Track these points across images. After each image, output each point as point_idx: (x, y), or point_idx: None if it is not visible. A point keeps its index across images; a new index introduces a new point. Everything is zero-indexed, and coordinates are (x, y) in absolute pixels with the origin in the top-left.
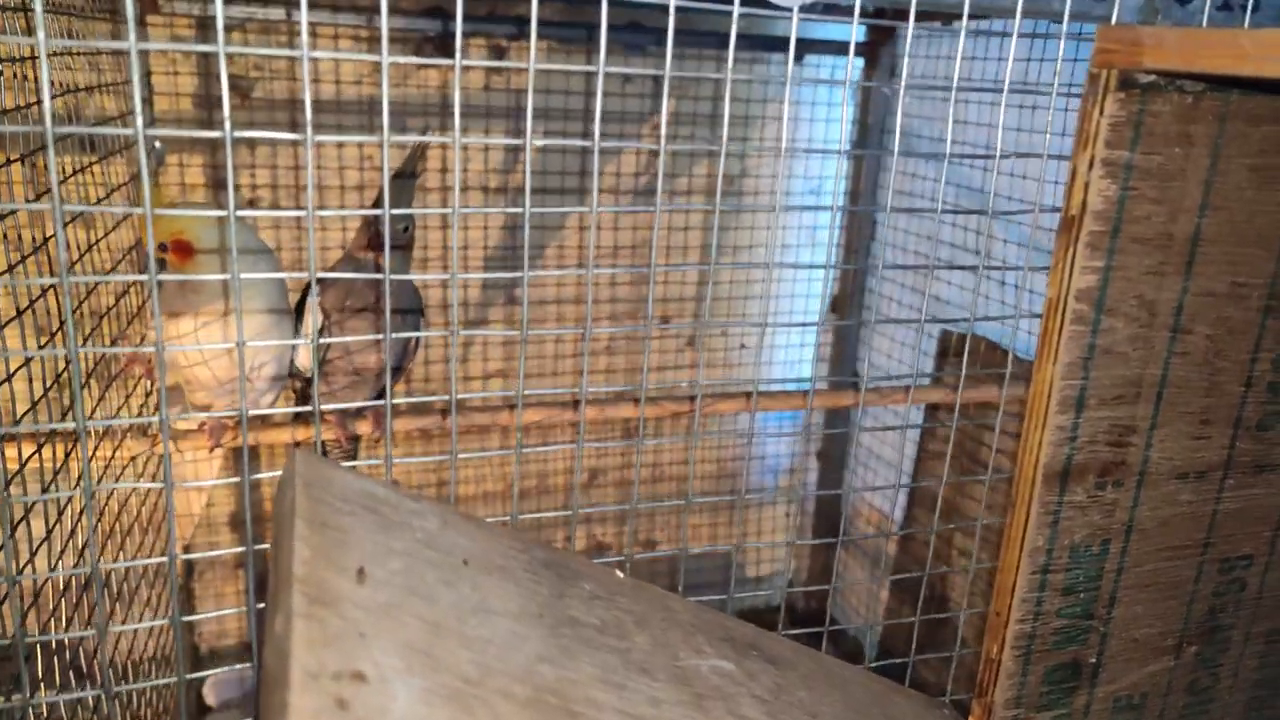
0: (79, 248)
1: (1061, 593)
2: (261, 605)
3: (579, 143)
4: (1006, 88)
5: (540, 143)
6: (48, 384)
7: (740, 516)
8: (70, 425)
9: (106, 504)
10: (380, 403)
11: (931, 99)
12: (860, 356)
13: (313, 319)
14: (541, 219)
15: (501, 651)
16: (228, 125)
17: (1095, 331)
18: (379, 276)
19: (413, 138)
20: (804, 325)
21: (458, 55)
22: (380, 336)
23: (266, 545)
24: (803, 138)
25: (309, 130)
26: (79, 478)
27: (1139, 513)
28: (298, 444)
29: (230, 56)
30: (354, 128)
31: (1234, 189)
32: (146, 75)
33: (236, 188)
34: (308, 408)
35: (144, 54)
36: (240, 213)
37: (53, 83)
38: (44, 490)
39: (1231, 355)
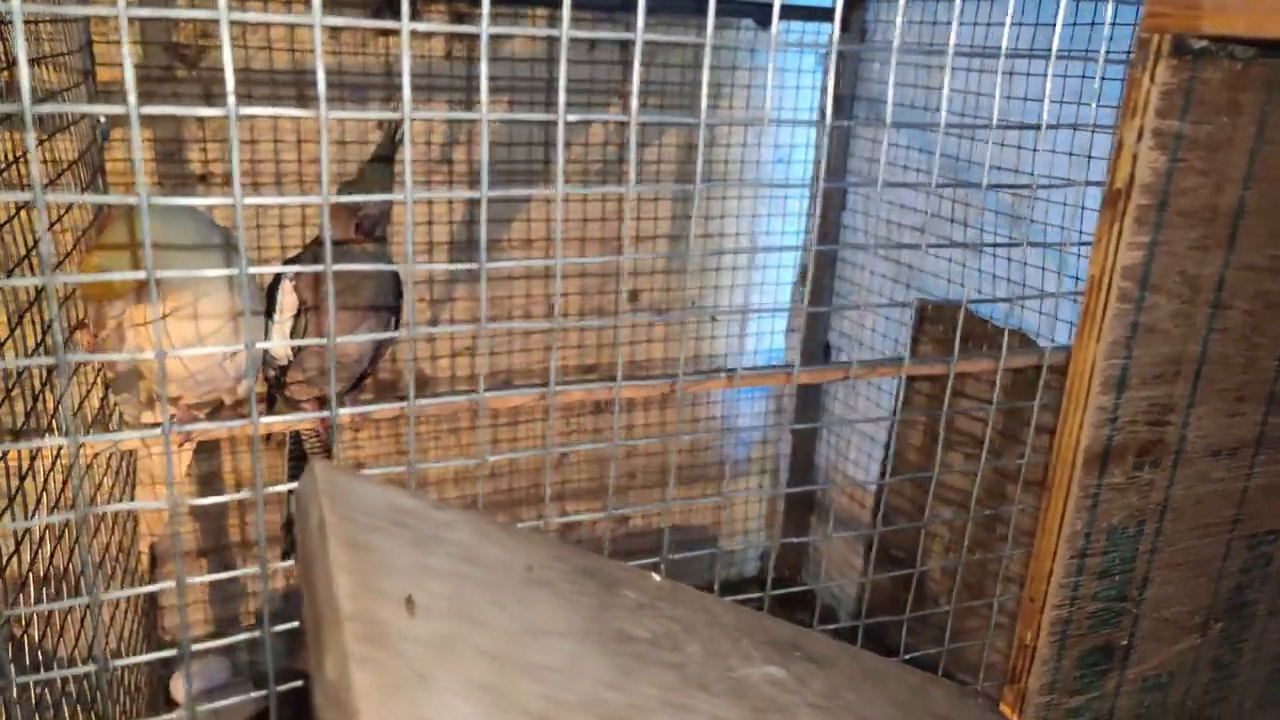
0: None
1: (1098, 576)
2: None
3: (542, 117)
4: (1053, 55)
5: (496, 116)
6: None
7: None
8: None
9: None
10: (371, 408)
11: (903, 65)
12: (834, 327)
13: (289, 301)
14: (506, 194)
15: (564, 679)
16: (232, 101)
17: (1139, 309)
18: (357, 267)
19: (371, 113)
20: (819, 309)
21: (405, 17)
22: (359, 338)
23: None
24: (771, 107)
25: (323, 106)
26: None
27: (1174, 492)
28: (268, 436)
29: (175, 23)
30: (310, 99)
31: (1278, 158)
32: (88, 44)
33: (186, 162)
34: (284, 395)
35: (84, 22)
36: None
37: None
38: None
39: (1268, 330)
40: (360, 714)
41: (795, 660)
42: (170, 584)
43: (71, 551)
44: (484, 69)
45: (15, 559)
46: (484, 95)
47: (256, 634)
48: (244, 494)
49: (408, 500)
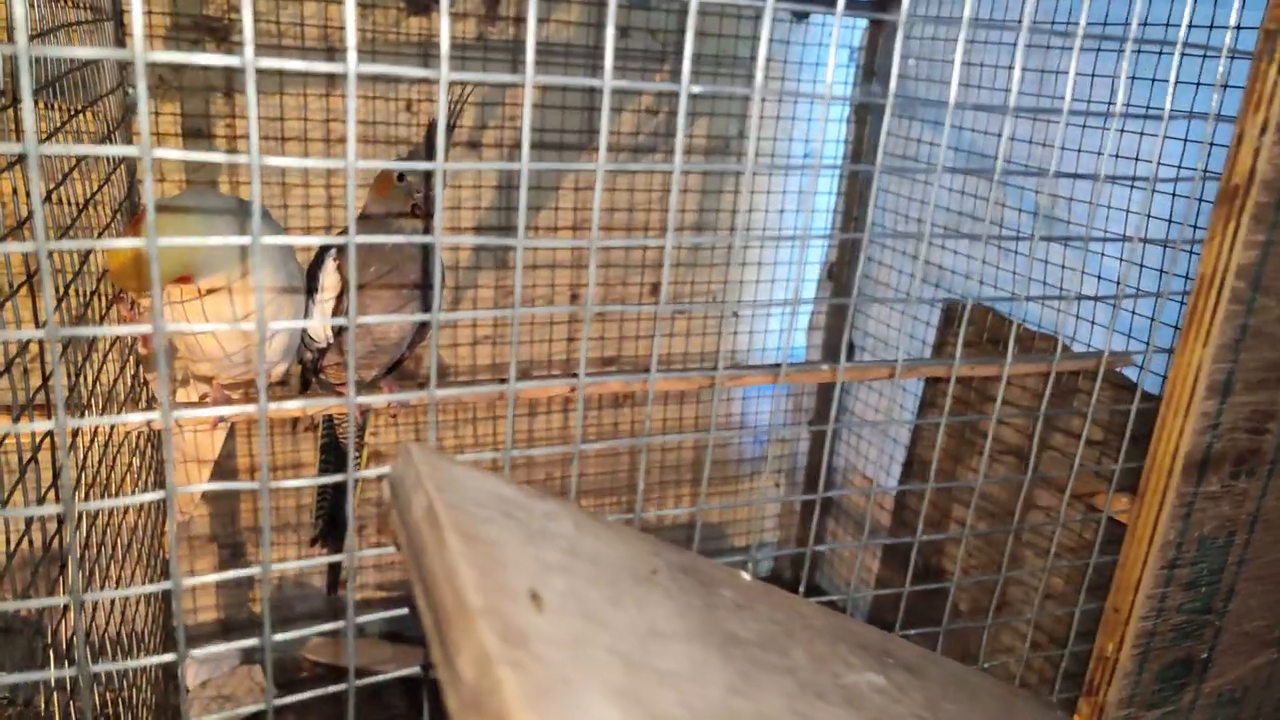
0: (71, 202)
1: (1185, 587)
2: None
3: (587, 82)
4: (1132, 35)
5: (541, 80)
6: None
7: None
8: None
9: (109, 479)
10: (433, 393)
11: (930, 60)
12: (857, 326)
13: (331, 282)
14: (537, 178)
15: (694, 686)
16: (249, 51)
17: (1250, 311)
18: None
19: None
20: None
21: None
22: (401, 316)
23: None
24: (803, 103)
25: (352, 66)
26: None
27: (1266, 502)
28: (295, 421)
29: None
30: (339, 79)
31: None
32: (119, 15)
33: (212, 137)
34: (320, 379)
35: None
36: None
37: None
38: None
39: None
40: (512, 718)
41: (890, 667)
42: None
43: (104, 531)
44: (531, 26)
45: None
46: (530, 56)
47: (256, 641)
48: (253, 484)
49: (509, 489)
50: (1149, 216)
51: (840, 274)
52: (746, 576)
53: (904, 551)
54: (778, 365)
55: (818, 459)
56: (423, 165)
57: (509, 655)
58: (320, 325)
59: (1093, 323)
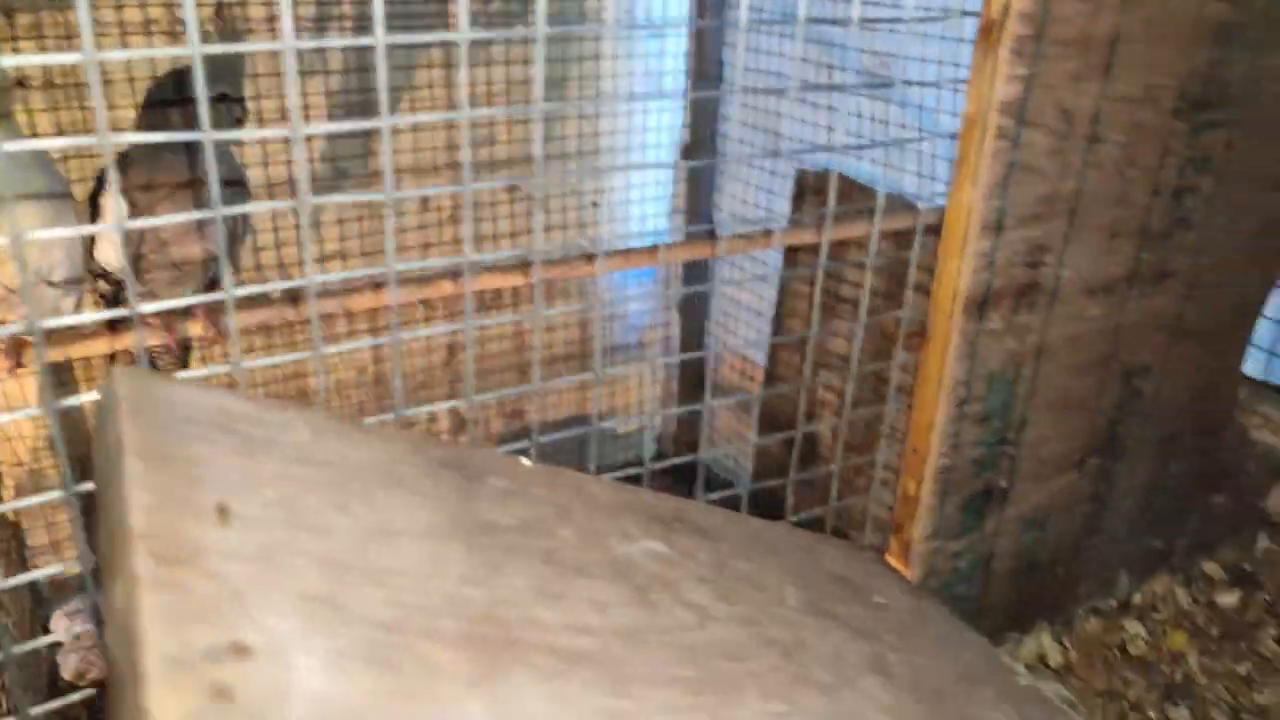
0: None
1: (978, 423)
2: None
3: None
4: None
5: None
6: None
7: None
8: None
9: None
10: (215, 296)
11: None
12: (718, 205)
13: (115, 206)
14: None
15: (418, 582)
16: None
17: (1016, 146)
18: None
19: None
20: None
21: None
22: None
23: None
24: None
25: None
26: None
27: (1050, 334)
28: (113, 357)
29: None
30: None
31: None
32: None
33: None
34: (122, 311)
35: None
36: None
37: None
38: None
39: (1141, 163)
40: (145, 642)
41: (681, 533)
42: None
43: None
44: None
45: None
46: None
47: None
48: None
49: (239, 404)
50: (940, 63)
51: (695, 149)
52: (527, 463)
53: (777, 421)
54: (655, 246)
55: (690, 342)
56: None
57: (161, 576)
58: (107, 249)
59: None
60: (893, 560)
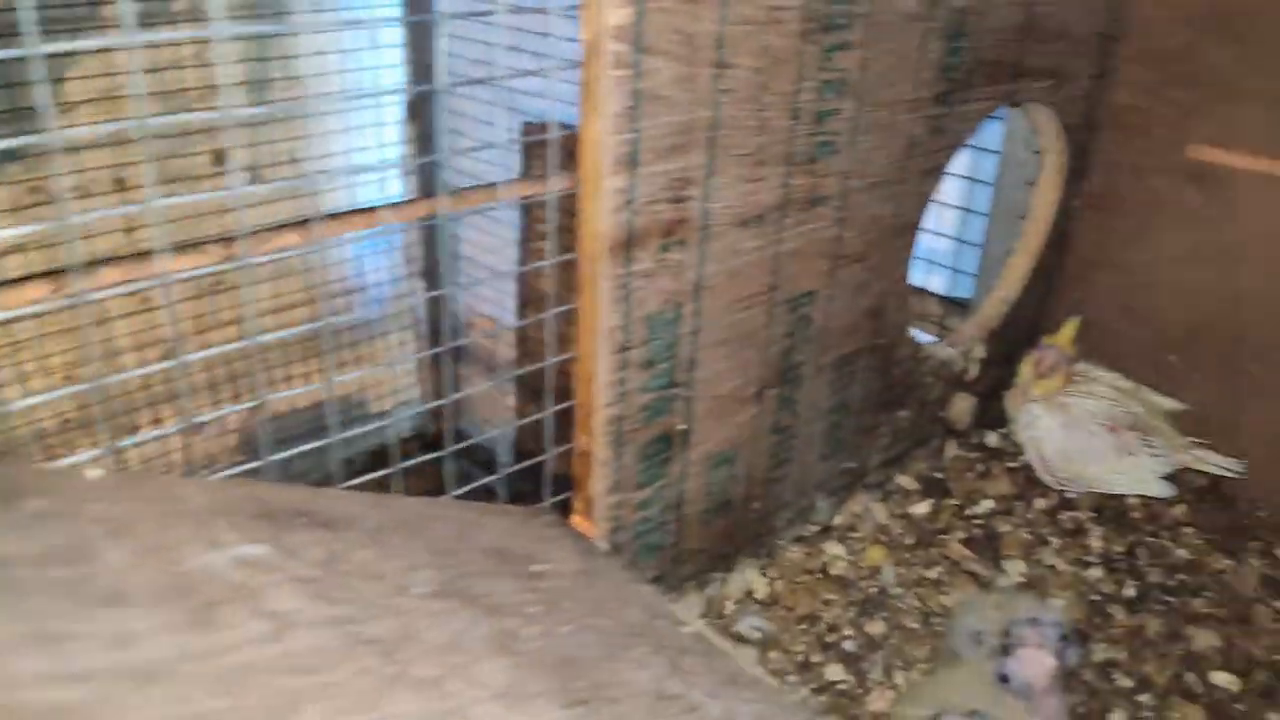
0: None
1: (643, 367)
2: None
3: None
4: None
5: None
6: None
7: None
8: None
9: None
10: None
11: None
12: (455, 166)
13: None
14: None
15: None
16: None
17: (639, 75)
18: None
19: None
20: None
21: None
22: None
23: None
24: None
25: None
26: None
27: (706, 269)
28: None
29: None
30: None
31: None
32: None
33: None
34: None
35: None
36: None
37: None
38: None
39: (776, 87)
40: None
41: (295, 530)
42: None
43: None
44: None
45: None
46: None
47: None
48: None
49: None
50: None
51: (421, 112)
52: (91, 474)
53: (534, 385)
54: (374, 208)
55: (438, 311)
56: None
57: None
58: None
59: None
60: (579, 519)
